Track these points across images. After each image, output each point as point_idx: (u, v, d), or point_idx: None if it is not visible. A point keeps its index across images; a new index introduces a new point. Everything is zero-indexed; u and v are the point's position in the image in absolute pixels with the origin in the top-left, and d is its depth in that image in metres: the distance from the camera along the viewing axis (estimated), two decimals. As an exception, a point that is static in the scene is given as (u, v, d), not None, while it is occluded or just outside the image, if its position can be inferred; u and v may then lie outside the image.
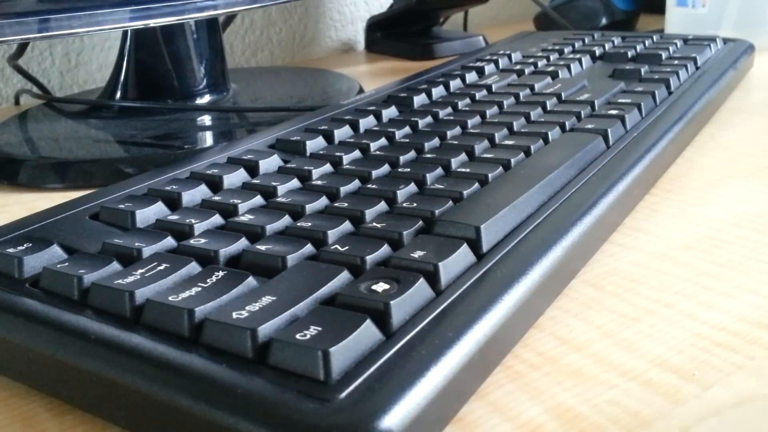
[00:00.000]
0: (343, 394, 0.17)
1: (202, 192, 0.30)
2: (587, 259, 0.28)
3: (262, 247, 0.24)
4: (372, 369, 0.18)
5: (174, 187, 0.30)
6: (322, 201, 0.28)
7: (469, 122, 0.38)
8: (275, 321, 0.20)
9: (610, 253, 0.29)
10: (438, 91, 0.44)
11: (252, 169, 0.33)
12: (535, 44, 0.58)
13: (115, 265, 0.24)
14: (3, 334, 0.22)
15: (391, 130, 0.37)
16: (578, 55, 0.51)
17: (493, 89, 0.44)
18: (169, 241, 0.25)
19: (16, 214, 0.37)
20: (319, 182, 0.30)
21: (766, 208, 0.32)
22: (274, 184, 0.30)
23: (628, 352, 0.23)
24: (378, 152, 0.34)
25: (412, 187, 0.29)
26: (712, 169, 0.37)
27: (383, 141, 0.36)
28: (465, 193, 0.28)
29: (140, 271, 0.23)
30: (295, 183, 0.31)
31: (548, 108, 0.40)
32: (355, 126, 0.38)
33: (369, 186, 0.29)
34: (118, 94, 0.52)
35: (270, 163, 0.33)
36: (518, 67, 0.50)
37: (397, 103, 0.42)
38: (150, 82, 0.52)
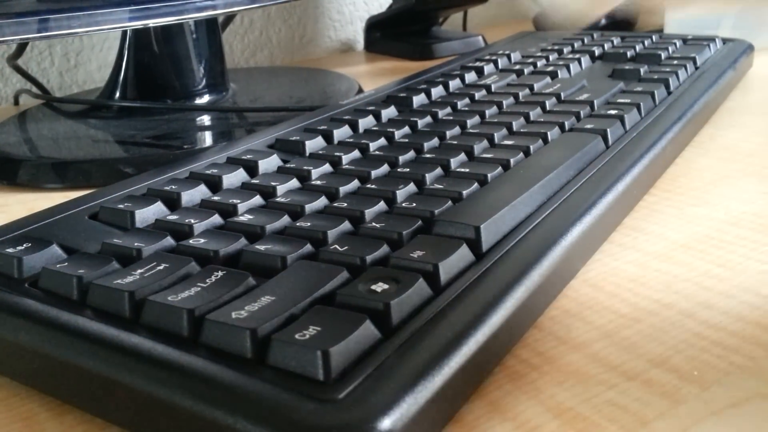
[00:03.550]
0: (343, 394, 0.17)
1: (201, 192, 0.30)
2: (587, 259, 0.28)
3: (262, 247, 0.24)
4: (371, 369, 0.18)
5: (173, 187, 0.30)
6: (322, 201, 0.28)
7: (469, 122, 0.38)
8: (274, 321, 0.20)
9: (609, 253, 0.29)
10: (437, 91, 0.44)
11: (251, 169, 0.33)
12: (534, 44, 0.58)
13: (115, 265, 0.24)
14: (3, 334, 0.22)
15: (391, 130, 0.37)
16: (578, 55, 0.51)
17: (493, 89, 0.44)
18: (169, 241, 0.25)
19: (15, 214, 0.37)
20: (318, 182, 0.30)
21: (766, 208, 0.32)
22: (273, 184, 0.30)
23: (627, 352, 0.23)
24: (377, 152, 0.34)
25: (412, 187, 0.29)
26: (712, 169, 0.37)
27: (382, 141, 0.36)
28: (464, 193, 0.28)
29: (139, 271, 0.23)
30: (294, 183, 0.31)
31: (547, 108, 0.40)
32: (354, 126, 0.38)
33: (368, 186, 0.29)
34: (118, 94, 0.52)
35: (269, 163, 0.33)
36: (517, 67, 0.50)
37: (397, 103, 0.42)
38: (149, 82, 0.52)
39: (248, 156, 0.34)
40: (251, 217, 0.27)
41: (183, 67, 0.52)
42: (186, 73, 0.52)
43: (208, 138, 0.47)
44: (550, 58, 0.52)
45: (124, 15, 0.42)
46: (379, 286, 0.21)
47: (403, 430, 0.17)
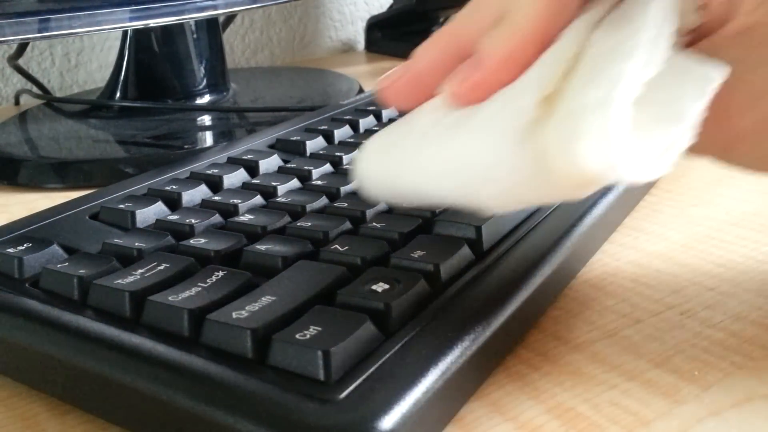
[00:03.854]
0: (343, 394, 0.17)
1: (202, 192, 0.30)
2: (588, 258, 0.28)
3: (262, 247, 0.24)
4: (372, 369, 0.18)
5: (174, 187, 0.30)
6: (322, 201, 0.28)
7: (469, 122, 0.38)
8: (275, 321, 0.20)
9: (610, 253, 0.29)
10: (438, 91, 0.44)
11: (252, 169, 0.33)
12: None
13: (116, 265, 0.24)
14: (3, 334, 0.22)
15: (391, 130, 0.37)
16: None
17: (493, 89, 0.44)
18: (169, 241, 0.25)
19: (16, 214, 0.37)
20: (319, 182, 0.30)
21: (766, 208, 0.32)
22: (274, 184, 0.30)
23: (628, 352, 0.23)
24: (378, 152, 0.34)
25: (412, 187, 0.29)
26: (712, 169, 0.37)
27: (383, 141, 0.36)
28: (465, 193, 0.28)
29: (140, 271, 0.23)
30: (295, 183, 0.31)
31: (548, 108, 0.40)
32: (355, 126, 0.38)
33: (369, 186, 0.29)
34: (118, 94, 0.52)
35: (270, 163, 0.33)
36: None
37: (397, 103, 0.42)
38: (150, 82, 0.52)
39: (249, 156, 0.34)
40: (252, 217, 0.27)
41: (183, 67, 0.52)
42: (186, 73, 0.52)
43: (208, 138, 0.47)
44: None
45: (125, 15, 0.42)
46: (380, 286, 0.21)
47: (404, 430, 0.17)
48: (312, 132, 0.37)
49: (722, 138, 0.21)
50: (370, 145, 0.23)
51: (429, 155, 0.20)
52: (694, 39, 0.21)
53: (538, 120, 0.18)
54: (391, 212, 0.27)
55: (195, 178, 0.32)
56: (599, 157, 0.16)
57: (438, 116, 0.21)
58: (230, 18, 0.69)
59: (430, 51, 0.22)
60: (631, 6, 0.20)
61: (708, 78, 0.18)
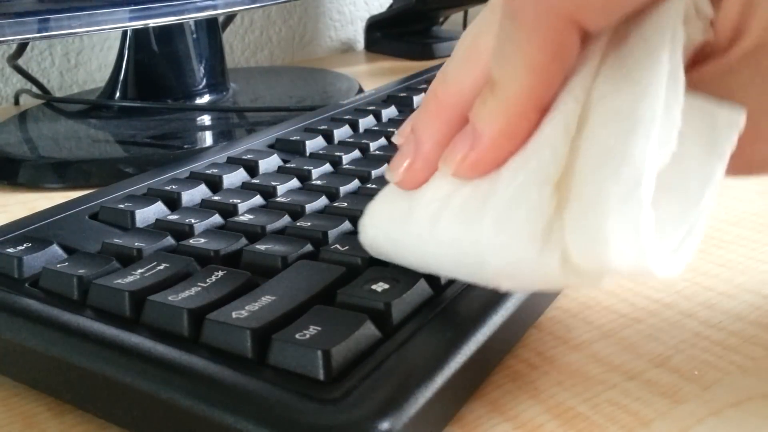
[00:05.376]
0: (343, 394, 0.17)
1: (201, 192, 0.30)
2: (587, 258, 0.28)
3: (262, 247, 0.24)
4: (372, 369, 0.18)
5: (174, 186, 0.30)
6: (322, 201, 0.28)
7: (469, 122, 0.38)
8: (275, 321, 0.20)
9: (609, 253, 0.29)
10: (438, 91, 0.44)
11: (252, 168, 0.33)
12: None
13: (115, 265, 0.24)
14: (3, 333, 0.22)
15: (391, 129, 0.37)
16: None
17: (493, 89, 0.44)
18: (169, 241, 0.25)
19: (15, 214, 0.37)
20: (318, 182, 0.30)
21: (766, 208, 0.32)
22: (273, 183, 0.30)
23: (627, 352, 0.23)
24: (378, 152, 0.34)
25: (412, 187, 0.29)
26: (712, 169, 0.37)
27: (383, 141, 0.36)
28: (465, 192, 0.28)
29: (140, 270, 0.23)
30: (294, 183, 0.31)
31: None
32: (354, 126, 0.38)
33: (369, 186, 0.29)
34: (118, 94, 0.52)
35: (270, 163, 0.33)
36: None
37: (397, 103, 0.42)
38: (149, 81, 0.52)
39: (248, 156, 0.34)
40: (252, 216, 0.27)
41: (183, 67, 0.52)
42: (186, 73, 0.52)
43: (208, 138, 0.47)
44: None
45: (125, 15, 0.42)
46: (380, 286, 0.21)
47: (404, 430, 0.17)
48: (312, 132, 0.37)
49: (741, 165, 0.19)
50: (375, 213, 0.22)
51: (441, 243, 0.19)
52: (699, 59, 0.19)
53: (554, 218, 0.17)
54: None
55: (195, 178, 0.32)
56: (629, 259, 0.16)
57: (446, 189, 0.19)
58: (230, 18, 0.69)
59: (430, 126, 0.20)
60: (632, 51, 0.17)
61: (724, 130, 0.17)
